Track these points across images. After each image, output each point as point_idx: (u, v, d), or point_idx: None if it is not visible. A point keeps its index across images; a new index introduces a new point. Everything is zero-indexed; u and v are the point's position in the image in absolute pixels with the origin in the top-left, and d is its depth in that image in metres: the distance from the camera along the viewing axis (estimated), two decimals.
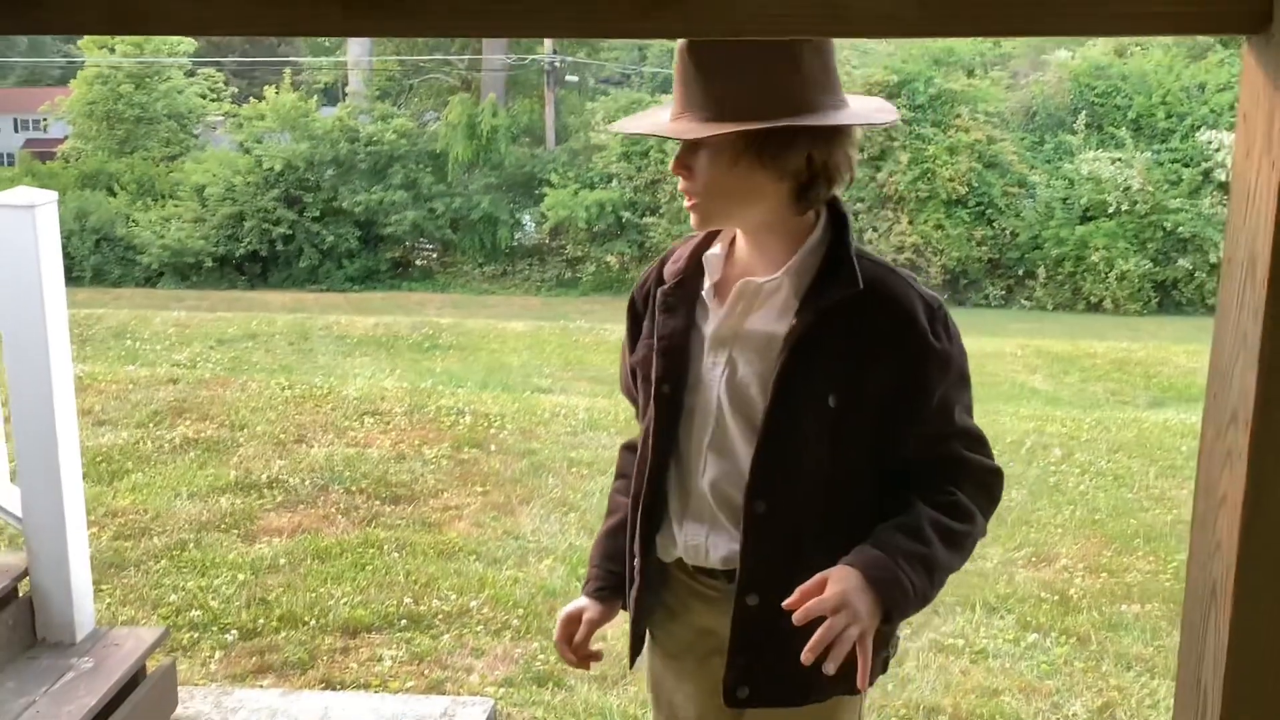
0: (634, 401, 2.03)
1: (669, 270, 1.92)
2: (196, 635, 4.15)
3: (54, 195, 3.22)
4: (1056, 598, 4.74)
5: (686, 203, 1.81)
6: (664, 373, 1.87)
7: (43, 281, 3.15)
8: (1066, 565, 5.14)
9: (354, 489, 5.87)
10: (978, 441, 1.86)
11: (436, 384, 8.87)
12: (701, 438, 1.86)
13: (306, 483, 5.90)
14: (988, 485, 1.88)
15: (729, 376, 1.83)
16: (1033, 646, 4.29)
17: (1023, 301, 24.61)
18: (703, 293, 1.87)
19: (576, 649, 2.01)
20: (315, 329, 12.71)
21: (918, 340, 1.76)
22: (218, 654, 4.01)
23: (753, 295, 1.82)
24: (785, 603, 1.66)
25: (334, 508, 5.61)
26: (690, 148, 1.78)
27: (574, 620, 2.02)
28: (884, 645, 1.94)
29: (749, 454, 1.80)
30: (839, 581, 1.68)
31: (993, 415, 8.36)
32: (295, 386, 8.19)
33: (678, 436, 1.89)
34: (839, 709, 1.91)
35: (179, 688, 3.54)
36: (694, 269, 1.89)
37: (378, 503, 5.72)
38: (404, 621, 4.31)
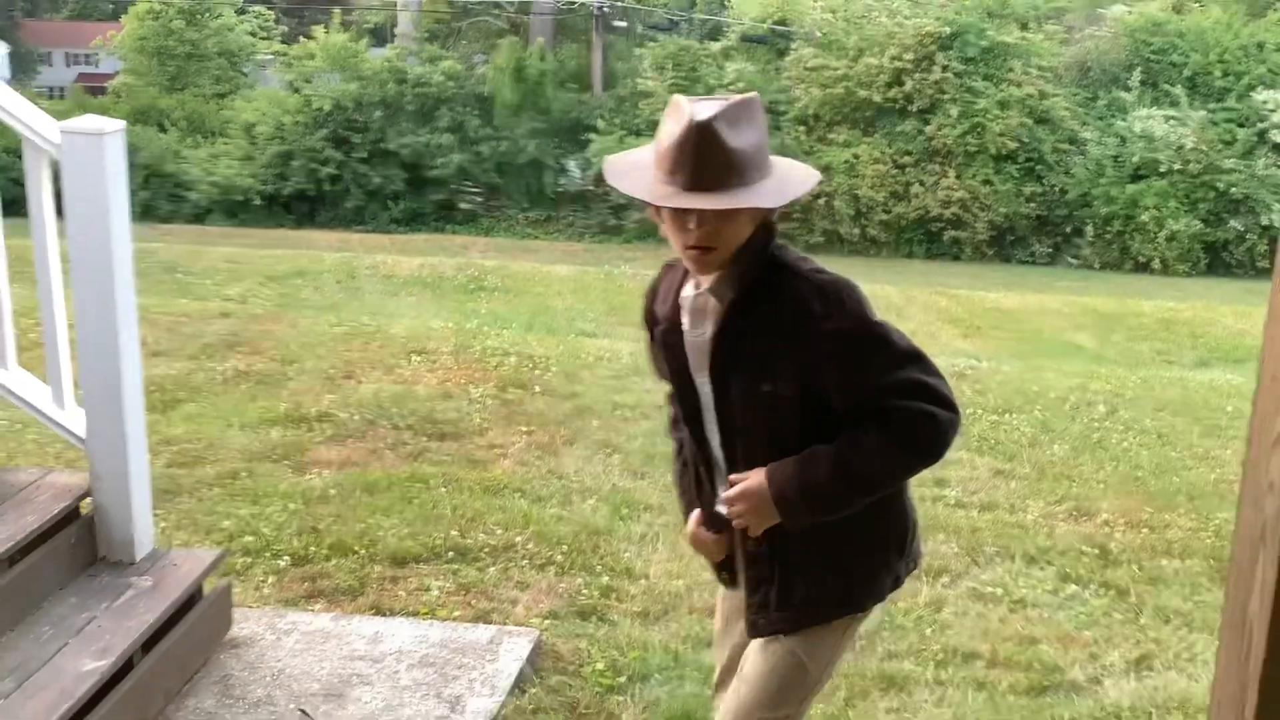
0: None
1: (660, 311, 2.36)
2: (249, 560, 4.25)
3: (121, 123, 3.27)
4: (1097, 551, 4.76)
5: (700, 258, 2.16)
6: (680, 390, 2.37)
7: (110, 209, 3.22)
8: (1108, 520, 5.15)
9: (401, 425, 5.95)
10: (910, 390, 2.15)
11: (482, 325, 8.94)
12: (712, 427, 2.33)
13: (355, 417, 5.99)
14: (909, 428, 2.16)
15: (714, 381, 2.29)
16: (1072, 598, 4.32)
17: (1069, 259, 24.38)
18: (684, 327, 2.31)
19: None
20: (362, 268, 12.81)
21: (814, 326, 2.13)
22: (270, 579, 4.11)
23: (700, 309, 2.26)
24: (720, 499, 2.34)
25: (382, 442, 5.69)
26: (719, 218, 2.10)
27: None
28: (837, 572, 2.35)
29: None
30: (747, 482, 2.24)
31: (1037, 371, 8.34)
32: (343, 324, 8.28)
33: (703, 423, 2.36)
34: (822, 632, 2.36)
35: (233, 609, 3.64)
36: (677, 306, 2.31)
37: (424, 439, 5.80)
38: (451, 554, 4.39)
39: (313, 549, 4.36)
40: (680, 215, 2.11)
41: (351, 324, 8.29)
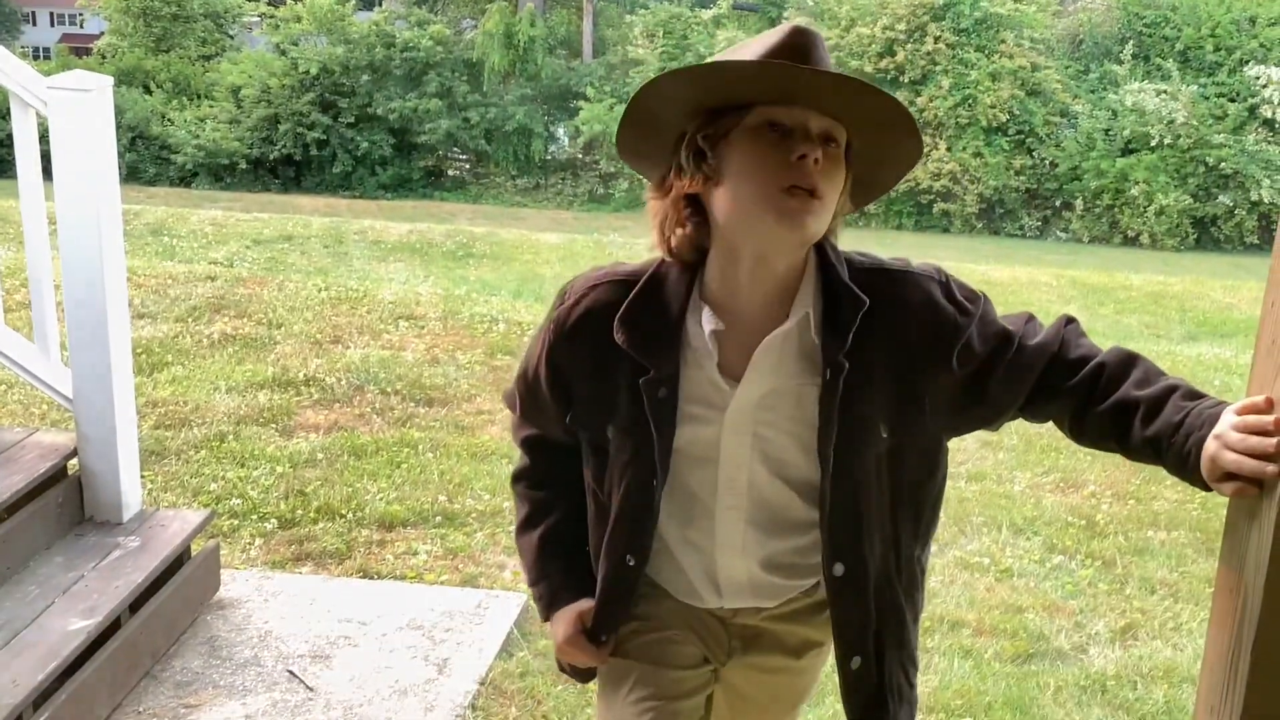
0: (529, 423, 1.87)
1: (644, 350, 1.61)
2: (236, 523, 4.23)
3: (109, 80, 3.24)
4: (1083, 522, 4.77)
5: (807, 208, 1.50)
6: (661, 443, 1.64)
7: (98, 166, 3.18)
8: (1094, 491, 5.17)
9: (389, 390, 5.93)
10: (1031, 333, 1.66)
11: (470, 291, 8.91)
12: (733, 512, 1.69)
13: (342, 382, 5.96)
14: (1074, 336, 1.67)
15: (761, 445, 1.64)
16: (1058, 568, 4.33)
17: (1058, 233, 24.39)
18: (694, 352, 1.62)
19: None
20: (350, 233, 12.74)
21: (952, 323, 1.60)
22: (257, 541, 4.10)
23: (776, 350, 1.60)
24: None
25: (369, 407, 5.67)
26: (826, 140, 1.52)
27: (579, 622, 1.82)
28: None
29: (800, 517, 1.69)
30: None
31: None
32: (331, 288, 8.24)
33: (678, 504, 1.71)
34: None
35: (221, 570, 3.63)
36: (667, 328, 1.62)
37: (412, 404, 5.78)
38: (438, 518, 4.39)
39: (300, 512, 4.35)
40: (785, 139, 1.50)
41: (339, 289, 8.24)
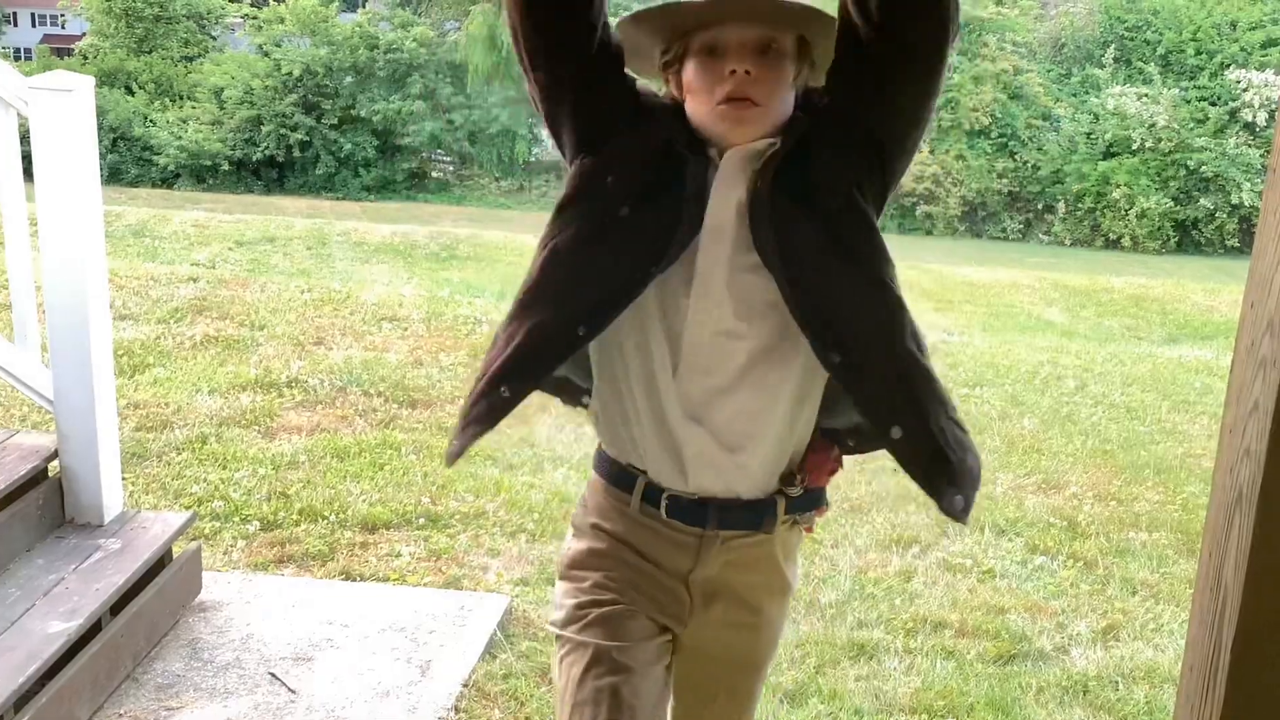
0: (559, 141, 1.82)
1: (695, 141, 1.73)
2: (218, 525, 4.22)
3: (90, 80, 3.22)
4: (1065, 523, 4.79)
5: (740, 112, 1.68)
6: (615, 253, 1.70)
7: (79, 166, 3.17)
8: (1076, 493, 5.19)
9: (372, 392, 5.91)
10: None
11: (454, 293, 8.89)
12: (703, 328, 1.72)
13: (325, 384, 5.95)
14: None
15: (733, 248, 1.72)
16: (1040, 569, 4.35)
17: (1041, 236, 24.48)
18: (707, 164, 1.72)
19: None
20: (332, 235, 12.72)
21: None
22: (239, 543, 4.08)
23: (738, 164, 1.72)
24: None
25: (352, 409, 5.66)
26: (763, 50, 1.69)
27: None
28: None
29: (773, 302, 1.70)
30: None
31: (1007, 345, 8.38)
32: (314, 290, 8.22)
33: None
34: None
35: (203, 573, 3.62)
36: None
37: (395, 406, 5.77)
38: (421, 520, 4.38)
39: (282, 514, 4.34)
40: (720, 59, 1.69)
41: (322, 290, 8.23)
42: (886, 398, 1.72)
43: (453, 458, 1.81)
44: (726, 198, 1.71)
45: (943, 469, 1.74)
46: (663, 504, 1.80)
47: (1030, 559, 4.43)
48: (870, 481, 5.02)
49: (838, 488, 4.92)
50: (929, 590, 4.07)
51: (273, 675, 3.20)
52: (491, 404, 1.75)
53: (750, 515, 1.82)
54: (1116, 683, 3.49)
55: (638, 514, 1.83)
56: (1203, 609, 1.44)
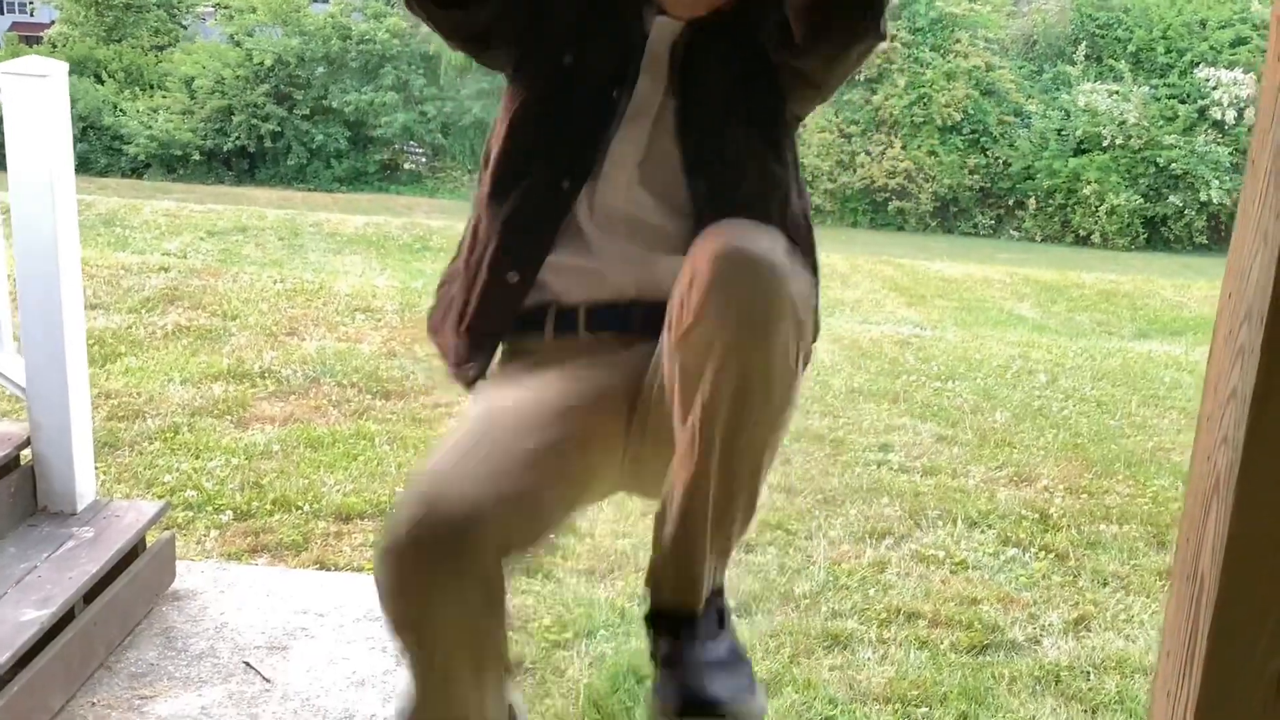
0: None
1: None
2: (191, 514, 4.19)
3: (64, 65, 3.19)
4: (1037, 516, 4.83)
5: None
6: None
7: (52, 153, 3.14)
8: (1047, 485, 5.22)
9: (345, 383, 5.89)
10: None
11: (428, 284, 8.85)
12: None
13: (298, 374, 5.92)
14: None
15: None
16: (1011, 560, 4.38)
17: (1011, 231, 24.62)
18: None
19: None
20: (305, 226, 12.66)
21: None
22: (213, 533, 4.06)
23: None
24: None
25: (325, 399, 5.64)
26: None
27: None
28: None
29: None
30: None
31: (979, 339, 8.43)
32: (286, 280, 8.18)
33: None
34: None
35: (176, 562, 3.60)
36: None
37: (369, 397, 5.75)
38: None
39: (256, 504, 4.31)
40: None
41: (294, 281, 8.19)
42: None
43: (474, 379, 1.71)
44: (663, 31, 1.67)
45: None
46: (580, 320, 1.70)
47: (1002, 551, 4.46)
48: (844, 473, 5.05)
49: (810, 479, 4.97)
50: (902, 581, 4.10)
51: (247, 664, 3.19)
52: (501, 299, 1.67)
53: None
54: (1088, 673, 3.52)
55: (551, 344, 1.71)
56: (1180, 595, 1.46)
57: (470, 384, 1.74)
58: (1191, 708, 1.43)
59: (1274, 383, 1.33)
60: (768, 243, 1.42)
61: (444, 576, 1.39)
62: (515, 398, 1.60)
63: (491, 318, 1.70)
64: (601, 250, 1.66)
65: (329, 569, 3.87)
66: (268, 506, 4.30)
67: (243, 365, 5.96)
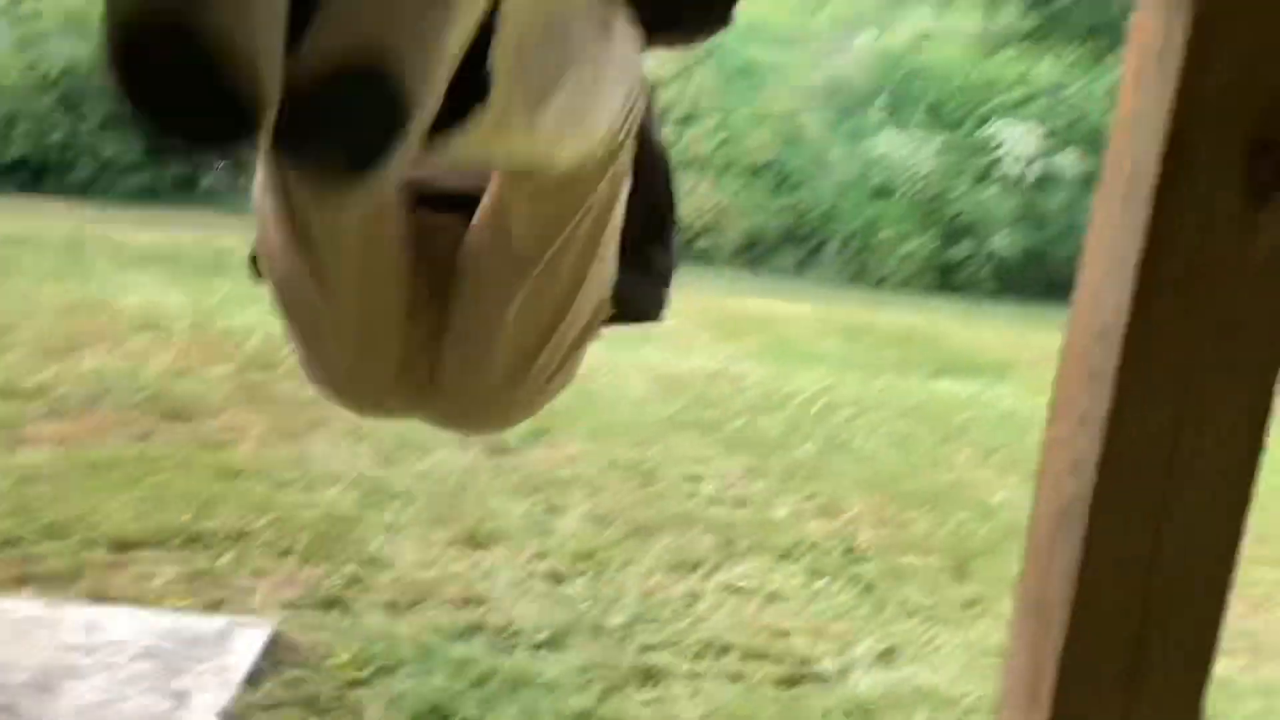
0: None
1: None
2: None
3: None
4: (844, 547, 4.85)
5: None
6: None
7: None
8: (853, 518, 5.26)
9: (128, 404, 5.53)
10: None
11: (223, 302, 8.45)
12: None
13: (78, 393, 5.53)
14: None
15: None
16: (821, 591, 4.37)
17: (814, 273, 25.27)
18: None
19: None
20: (90, 238, 11.99)
21: None
22: None
23: None
24: None
25: (107, 420, 5.27)
26: None
27: None
28: None
29: None
30: None
31: (787, 375, 8.52)
32: (68, 295, 7.69)
33: None
34: None
35: None
36: None
37: (155, 418, 5.40)
38: (180, 539, 4.08)
39: (24, 530, 3.96)
40: None
41: (76, 295, 7.70)
42: None
43: None
44: None
45: None
46: None
47: (812, 582, 4.45)
48: (655, 503, 4.98)
49: (622, 509, 4.88)
50: (714, 613, 4.03)
51: (7, 709, 2.88)
52: None
53: None
54: (898, 704, 3.51)
55: None
56: (1025, 627, 1.40)
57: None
58: None
59: (1128, 407, 1.28)
60: None
61: None
62: None
63: None
64: None
65: (104, 601, 3.56)
66: (36, 533, 3.96)
67: (14, 383, 5.53)
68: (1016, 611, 1.44)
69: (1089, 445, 1.33)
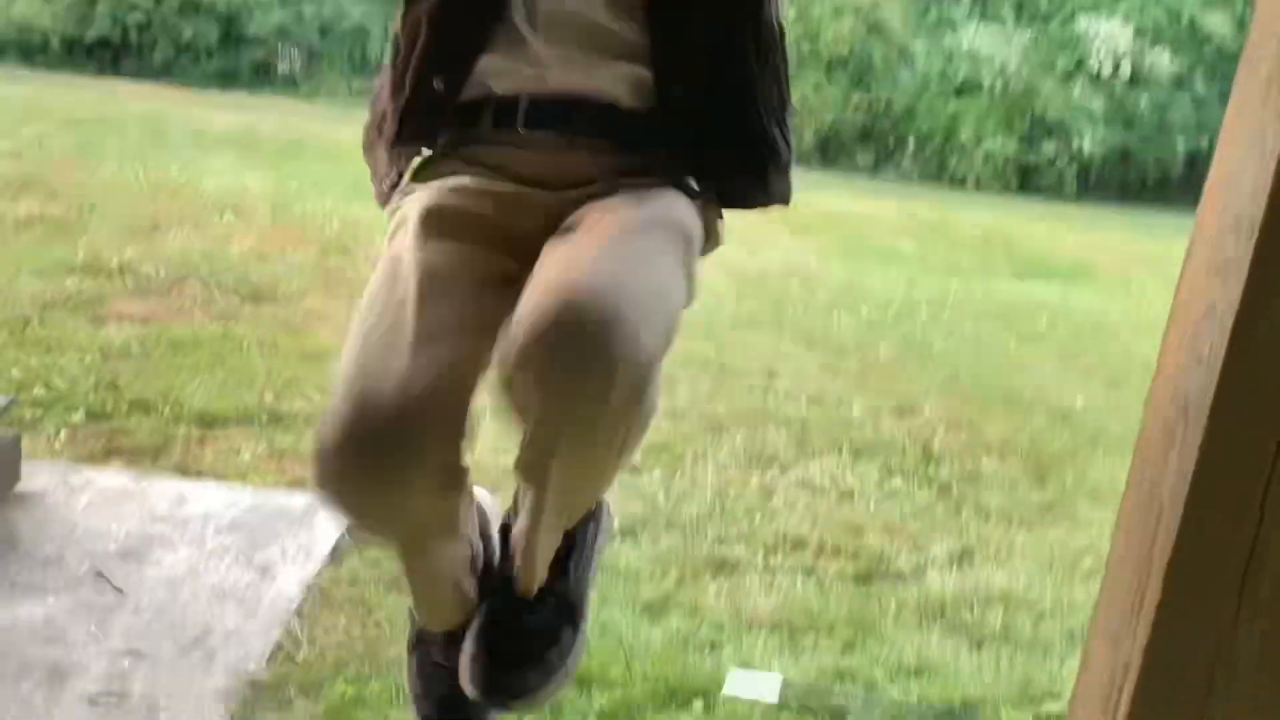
0: None
1: None
2: (40, 413, 3.91)
3: None
4: (920, 448, 4.81)
5: None
6: None
7: None
8: (930, 419, 5.21)
9: (212, 284, 5.60)
10: None
11: (302, 188, 8.49)
12: None
13: (161, 272, 5.61)
14: None
15: None
16: (896, 491, 4.34)
17: (890, 171, 24.84)
18: None
19: None
20: (171, 120, 12.06)
21: None
22: (63, 433, 3.79)
23: None
24: None
25: (190, 300, 5.35)
26: None
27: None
28: None
29: None
30: None
31: (864, 274, 8.43)
32: (150, 175, 7.76)
33: None
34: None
35: (22, 462, 3.33)
36: None
37: (237, 300, 5.48)
38: (264, 417, 4.14)
39: (111, 405, 4.04)
40: None
41: (159, 176, 7.77)
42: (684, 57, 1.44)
43: (388, 192, 1.50)
44: None
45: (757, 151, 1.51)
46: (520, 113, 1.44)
47: (887, 480, 4.43)
48: (730, 399, 4.96)
49: (697, 404, 4.86)
50: (789, 509, 4.03)
51: (99, 573, 2.96)
52: (426, 107, 1.44)
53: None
54: (972, 605, 3.50)
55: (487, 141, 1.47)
56: (1133, 529, 1.36)
57: (386, 199, 1.50)
58: (1139, 650, 1.33)
59: (1261, 299, 1.22)
60: (618, 291, 1.21)
61: (394, 473, 1.25)
62: (424, 255, 1.38)
63: (416, 128, 1.46)
64: (540, 53, 1.42)
65: (190, 476, 3.63)
66: (124, 408, 4.04)
67: (100, 260, 5.61)
68: (1123, 512, 1.40)
69: (1216, 338, 1.28)
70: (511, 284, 1.30)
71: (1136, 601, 1.33)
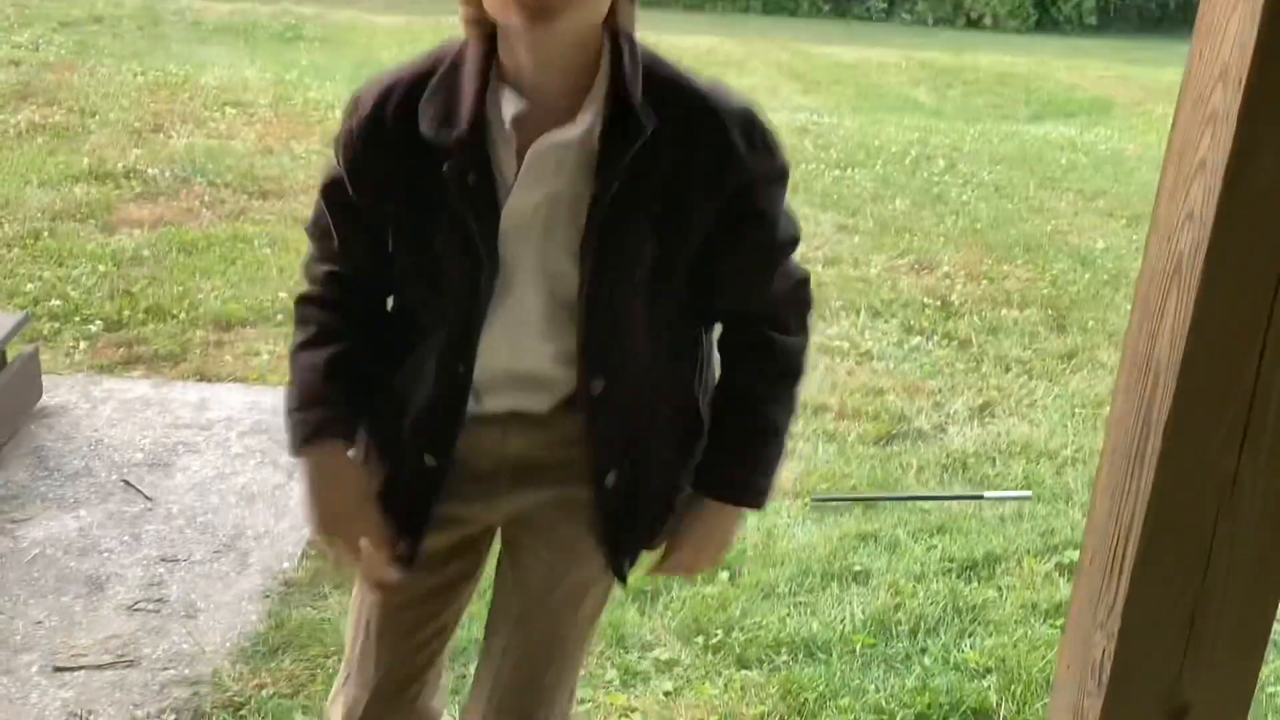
0: (333, 239, 1.53)
1: (438, 134, 1.37)
2: (57, 326, 3.93)
3: None
4: (938, 303, 4.78)
5: (536, 17, 1.28)
6: (454, 256, 1.42)
7: None
8: (948, 272, 5.17)
9: (218, 182, 5.56)
10: (792, 245, 1.56)
11: (303, 76, 8.37)
12: (509, 314, 1.45)
13: (167, 174, 5.57)
14: (802, 300, 1.61)
15: (540, 248, 1.43)
16: (915, 349, 4.34)
17: (904, 15, 24.23)
18: (503, 134, 1.38)
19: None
20: (166, 13, 11.84)
21: (738, 166, 1.43)
22: (82, 345, 3.81)
23: (554, 157, 1.39)
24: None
25: (198, 200, 5.32)
26: None
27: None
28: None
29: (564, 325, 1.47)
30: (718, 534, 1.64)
31: (877, 125, 8.28)
32: (148, 73, 7.67)
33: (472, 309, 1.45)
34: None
35: (42, 376, 3.36)
36: (481, 127, 1.38)
37: (245, 197, 5.44)
38: (280, 316, 4.14)
39: (127, 313, 4.06)
40: None
41: (157, 73, 7.67)
42: (619, 444, 1.55)
43: (410, 557, 1.62)
44: (532, 189, 1.41)
45: (626, 533, 1.59)
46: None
47: (906, 339, 4.42)
48: None
49: None
50: (808, 375, 4.02)
51: (126, 482, 3.01)
52: (420, 477, 1.53)
53: None
54: (994, 458, 3.52)
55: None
56: (1130, 387, 1.35)
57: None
58: (1141, 507, 1.33)
59: (1249, 152, 1.19)
60: (554, 704, 1.63)
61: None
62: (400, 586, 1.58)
63: (415, 500, 1.54)
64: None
65: (210, 380, 3.66)
66: (140, 315, 4.06)
67: (105, 165, 5.58)
68: (1122, 370, 1.39)
69: (1206, 195, 1.25)
70: (466, 580, 1.65)
71: (1135, 461, 1.33)
